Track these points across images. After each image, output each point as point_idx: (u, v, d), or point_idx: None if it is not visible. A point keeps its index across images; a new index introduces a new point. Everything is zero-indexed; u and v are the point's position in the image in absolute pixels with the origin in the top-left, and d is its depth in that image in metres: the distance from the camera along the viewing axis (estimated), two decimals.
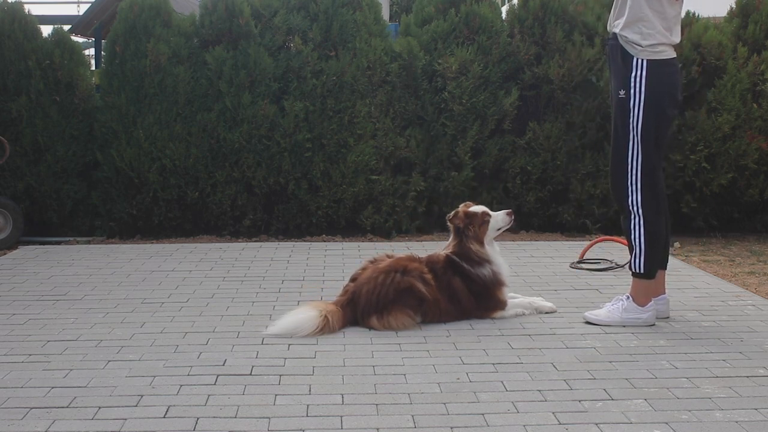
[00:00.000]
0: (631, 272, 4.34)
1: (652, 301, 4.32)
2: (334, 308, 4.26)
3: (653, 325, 4.29)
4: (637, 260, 4.26)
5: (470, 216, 4.45)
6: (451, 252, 4.46)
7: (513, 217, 4.53)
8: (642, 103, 4.14)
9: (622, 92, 4.19)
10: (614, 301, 4.39)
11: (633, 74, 4.14)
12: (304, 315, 4.17)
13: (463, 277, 4.39)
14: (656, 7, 4.13)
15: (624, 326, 4.26)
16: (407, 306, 4.26)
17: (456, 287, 4.37)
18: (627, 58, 4.17)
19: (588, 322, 4.35)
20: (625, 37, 4.16)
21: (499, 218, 4.50)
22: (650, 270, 4.27)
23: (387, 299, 4.23)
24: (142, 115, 6.88)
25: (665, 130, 4.27)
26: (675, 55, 4.25)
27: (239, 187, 6.93)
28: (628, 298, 4.33)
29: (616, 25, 4.22)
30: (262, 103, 6.83)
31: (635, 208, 4.22)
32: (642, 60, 4.14)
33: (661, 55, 4.15)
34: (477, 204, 4.63)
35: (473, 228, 4.42)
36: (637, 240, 4.24)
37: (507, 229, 4.67)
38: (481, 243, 4.42)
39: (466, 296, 4.38)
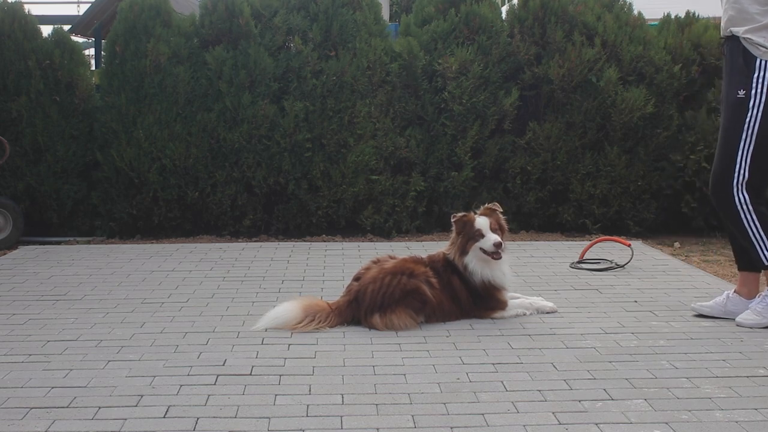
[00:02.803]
0: (764, 266, 4.25)
1: None
2: (324, 305, 4.34)
3: None
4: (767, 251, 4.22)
5: (469, 226, 4.43)
6: (446, 252, 4.50)
7: (500, 250, 4.33)
8: (763, 104, 4.12)
9: (741, 92, 4.16)
10: (756, 302, 4.31)
11: (756, 75, 4.12)
12: (285, 307, 4.29)
13: (461, 276, 4.41)
14: None
15: None
16: (410, 307, 4.27)
17: (456, 286, 4.39)
18: (750, 59, 4.15)
19: (740, 326, 4.28)
20: (750, 39, 4.14)
21: (487, 243, 4.36)
22: None
23: (392, 299, 4.24)
24: (142, 115, 6.88)
25: None
26: None
27: (239, 187, 6.93)
28: None
29: (739, 29, 4.17)
30: (262, 103, 6.82)
31: (745, 206, 4.20)
32: (766, 61, 4.11)
33: None
34: (495, 207, 4.55)
35: (462, 238, 4.42)
36: (756, 234, 4.20)
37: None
38: (463, 254, 4.39)
39: (466, 295, 4.40)
